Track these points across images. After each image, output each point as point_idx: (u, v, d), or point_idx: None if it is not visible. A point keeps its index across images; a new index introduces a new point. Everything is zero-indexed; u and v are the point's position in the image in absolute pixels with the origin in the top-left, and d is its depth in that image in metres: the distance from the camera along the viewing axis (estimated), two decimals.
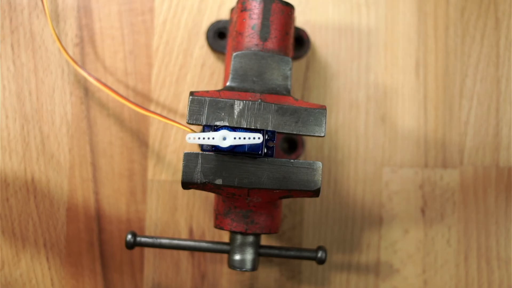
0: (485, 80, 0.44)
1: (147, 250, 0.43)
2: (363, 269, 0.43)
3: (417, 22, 0.44)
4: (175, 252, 0.43)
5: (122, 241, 0.42)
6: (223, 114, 0.32)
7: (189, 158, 0.32)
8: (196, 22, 0.43)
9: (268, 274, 0.43)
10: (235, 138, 0.30)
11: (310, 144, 0.43)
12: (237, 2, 0.37)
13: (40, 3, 0.42)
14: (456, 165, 0.44)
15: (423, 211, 0.44)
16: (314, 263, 0.43)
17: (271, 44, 0.36)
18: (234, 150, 0.31)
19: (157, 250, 0.43)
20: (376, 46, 0.44)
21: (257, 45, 0.36)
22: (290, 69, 0.35)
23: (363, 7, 0.44)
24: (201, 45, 0.43)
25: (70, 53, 0.42)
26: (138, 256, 0.42)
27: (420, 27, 0.44)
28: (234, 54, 0.35)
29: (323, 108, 0.33)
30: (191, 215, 0.43)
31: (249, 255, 0.36)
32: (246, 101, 0.32)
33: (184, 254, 0.43)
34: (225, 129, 0.31)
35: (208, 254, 0.43)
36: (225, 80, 0.37)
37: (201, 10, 0.43)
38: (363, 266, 0.43)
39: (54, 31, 0.40)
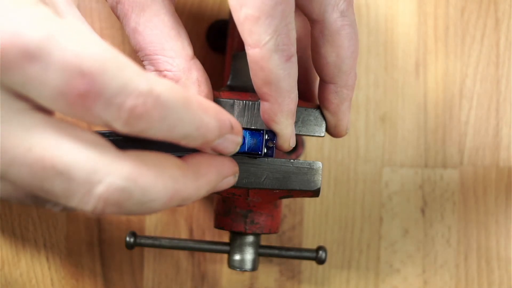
0: (485, 80, 0.44)
1: (147, 250, 0.43)
2: (363, 269, 0.43)
3: (417, 22, 0.44)
4: (175, 252, 0.43)
5: (122, 241, 0.42)
6: None
7: None
8: (196, 22, 0.43)
9: (268, 274, 0.43)
10: None
11: (310, 144, 0.43)
12: None
13: None
14: (456, 165, 0.44)
15: (423, 211, 0.44)
16: (314, 263, 0.43)
17: None
18: None
19: (157, 250, 0.42)
20: (376, 46, 0.44)
21: None
22: None
23: (363, 7, 0.44)
24: (201, 45, 0.43)
25: None
26: (138, 256, 0.42)
27: (420, 27, 0.44)
28: (234, 54, 0.35)
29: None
30: (191, 215, 0.43)
31: (249, 255, 0.36)
32: (246, 101, 0.32)
33: (184, 254, 0.43)
34: None
35: (208, 254, 0.43)
36: (225, 80, 0.37)
37: (201, 10, 0.43)
38: (363, 266, 0.43)
39: None
